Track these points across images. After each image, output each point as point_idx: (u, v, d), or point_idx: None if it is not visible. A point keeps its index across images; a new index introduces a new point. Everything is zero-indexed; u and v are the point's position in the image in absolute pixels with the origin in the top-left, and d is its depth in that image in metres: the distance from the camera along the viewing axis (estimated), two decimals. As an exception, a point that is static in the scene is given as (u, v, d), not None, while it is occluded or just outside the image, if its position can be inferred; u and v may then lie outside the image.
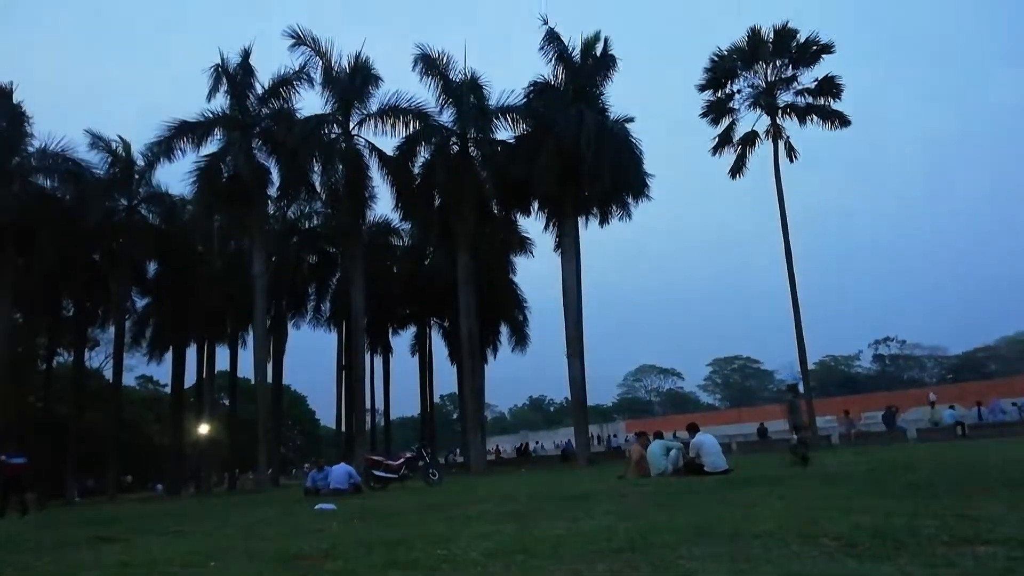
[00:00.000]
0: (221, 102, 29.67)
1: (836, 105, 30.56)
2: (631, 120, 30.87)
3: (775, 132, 30.36)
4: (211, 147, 29.46)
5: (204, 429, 40.53)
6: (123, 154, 33.93)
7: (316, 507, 11.08)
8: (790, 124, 31.06)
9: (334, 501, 12.75)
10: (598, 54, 30.16)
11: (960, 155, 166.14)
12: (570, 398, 31.26)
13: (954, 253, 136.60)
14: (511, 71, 34.67)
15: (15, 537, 9.66)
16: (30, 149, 30.73)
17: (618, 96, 70.56)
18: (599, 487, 11.44)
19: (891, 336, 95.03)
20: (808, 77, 30.86)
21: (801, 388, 25.17)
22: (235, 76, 29.32)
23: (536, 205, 32.32)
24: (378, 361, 43.49)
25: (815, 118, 30.58)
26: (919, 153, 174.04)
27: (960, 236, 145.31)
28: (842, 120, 30.48)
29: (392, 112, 30.18)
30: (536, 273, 42.18)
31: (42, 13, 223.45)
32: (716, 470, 12.29)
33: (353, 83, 29.93)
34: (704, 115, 31.75)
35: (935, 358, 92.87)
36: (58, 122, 33.99)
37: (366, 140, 30.72)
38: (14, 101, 30.25)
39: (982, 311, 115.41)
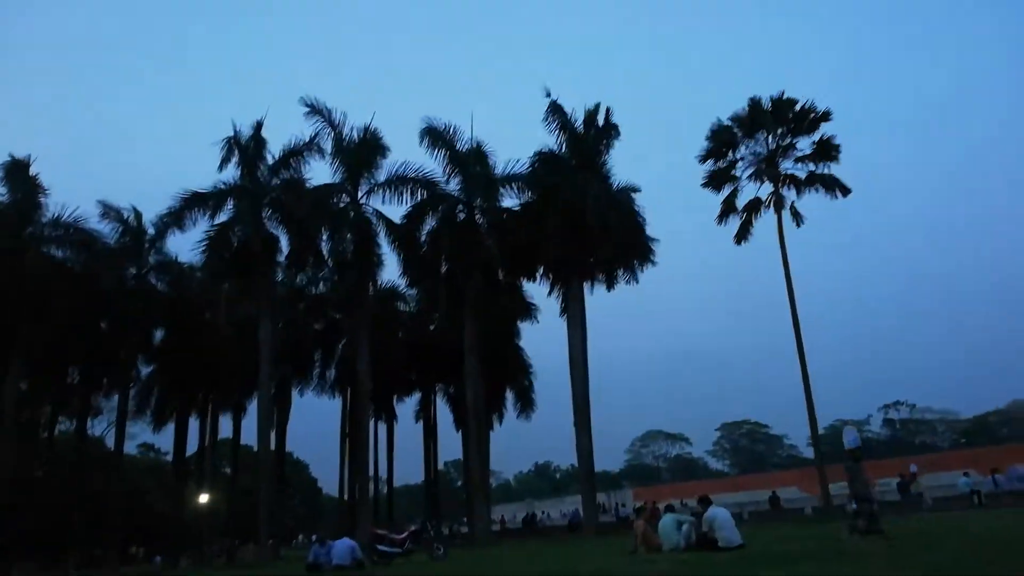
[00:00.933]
0: (232, 172, 30.34)
1: (835, 169, 31.07)
2: (637, 190, 31.37)
3: (778, 201, 30.73)
4: (222, 215, 29.94)
5: (204, 499, 39.84)
6: (134, 223, 34.49)
7: (320, 586, 10.80)
8: (796, 192, 31.49)
9: (338, 578, 12.45)
10: (600, 123, 30.88)
11: (971, 215, 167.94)
12: (577, 466, 30.76)
13: (963, 314, 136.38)
14: (517, 135, 35.43)
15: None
16: (43, 220, 31.22)
17: (624, 160, 71.68)
18: (611, 564, 11.16)
19: (901, 400, 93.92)
20: (807, 143, 31.47)
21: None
22: (247, 147, 30.02)
23: (541, 271, 32.53)
24: (382, 428, 43.06)
25: (818, 187, 30.97)
26: (927, 215, 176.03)
27: (969, 296, 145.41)
28: (842, 189, 30.82)
29: (400, 181, 30.80)
30: (540, 334, 42.03)
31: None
32: (730, 545, 11.96)
33: (362, 154, 30.60)
34: (705, 185, 32.14)
35: (946, 422, 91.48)
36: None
37: (374, 208, 31.31)
38: (31, 173, 30.92)
39: (993, 373, 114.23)
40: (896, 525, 17.03)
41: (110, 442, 40.92)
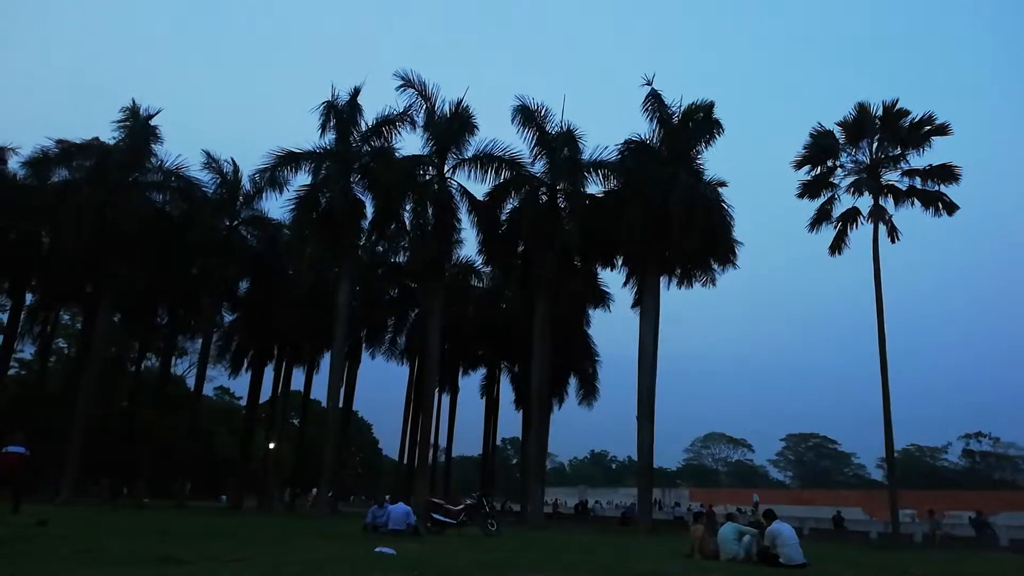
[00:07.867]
0: (326, 135, 30.99)
1: (946, 189, 29.14)
2: (724, 184, 30.40)
3: (876, 213, 29.14)
4: (313, 178, 30.67)
5: (272, 446, 41.49)
6: (231, 176, 35.85)
7: (376, 550, 11.06)
8: (893, 204, 29.84)
9: (392, 542, 12.72)
10: (700, 118, 29.96)
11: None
12: (636, 459, 30.44)
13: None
14: (604, 125, 34.82)
15: (92, 546, 9.99)
16: (150, 166, 32.85)
17: (718, 162, 69.81)
18: (666, 566, 10.98)
19: (984, 432, 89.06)
20: (918, 159, 29.54)
21: None
22: (343, 113, 30.61)
23: (620, 261, 32.11)
24: (445, 399, 43.78)
25: (916, 201, 29.22)
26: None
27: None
28: (948, 207, 28.89)
29: (486, 159, 30.81)
30: (612, 322, 41.63)
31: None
32: (791, 563, 11.59)
33: (452, 128, 30.71)
34: (801, 195, 30.77)
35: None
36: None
37: (458, 183, 31.48)
38: (151, 124, 32.54)
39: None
40: (970, 564, 16.13)
41: (190, 382, 43.15)
